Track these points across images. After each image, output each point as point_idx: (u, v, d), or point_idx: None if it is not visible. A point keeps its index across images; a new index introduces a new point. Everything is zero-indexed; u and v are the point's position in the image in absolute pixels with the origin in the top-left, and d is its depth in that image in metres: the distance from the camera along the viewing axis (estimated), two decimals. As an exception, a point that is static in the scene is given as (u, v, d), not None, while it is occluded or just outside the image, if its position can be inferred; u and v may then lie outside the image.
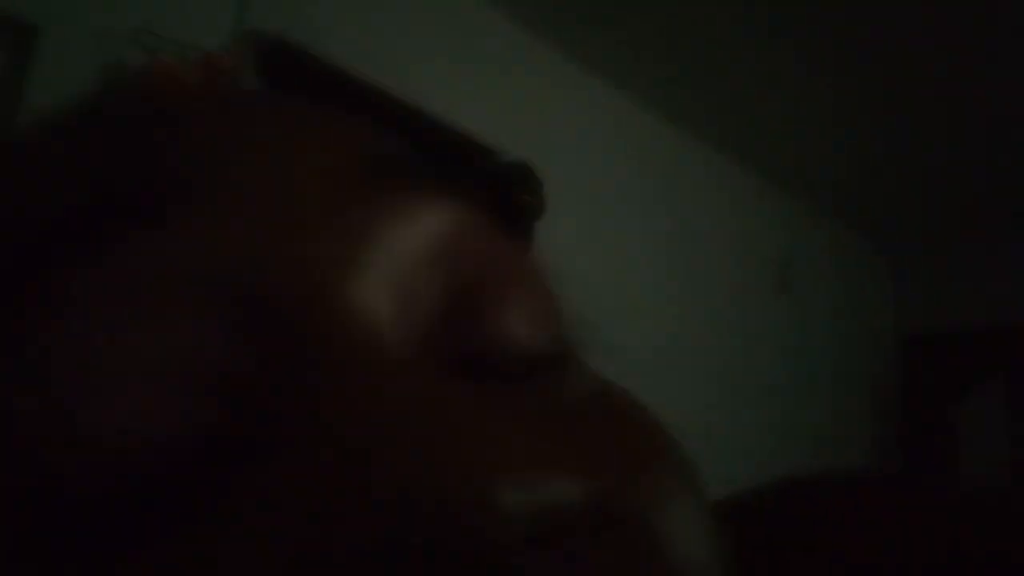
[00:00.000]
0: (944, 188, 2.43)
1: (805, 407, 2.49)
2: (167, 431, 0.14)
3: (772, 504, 0.30)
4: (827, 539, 0.27)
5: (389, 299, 0.16)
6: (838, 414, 2.58)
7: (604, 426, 0.18)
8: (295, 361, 0.15)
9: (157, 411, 0.14)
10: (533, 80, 2.07)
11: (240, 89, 0.21)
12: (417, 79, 1.78)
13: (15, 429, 0.14)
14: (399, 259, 0.17)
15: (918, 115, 2.12)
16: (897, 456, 2.68)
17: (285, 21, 1.62)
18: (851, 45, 1.92)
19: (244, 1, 1.60)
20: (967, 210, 2.53)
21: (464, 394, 0.15)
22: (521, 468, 0.14)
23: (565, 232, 1.88)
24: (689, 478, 0.18)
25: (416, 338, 0.17)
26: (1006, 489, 0.31)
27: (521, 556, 0.13)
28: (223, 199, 0.16)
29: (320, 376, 0.15)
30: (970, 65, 1.93)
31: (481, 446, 0.14)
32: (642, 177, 2.25)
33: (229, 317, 0.15)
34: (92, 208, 0.16)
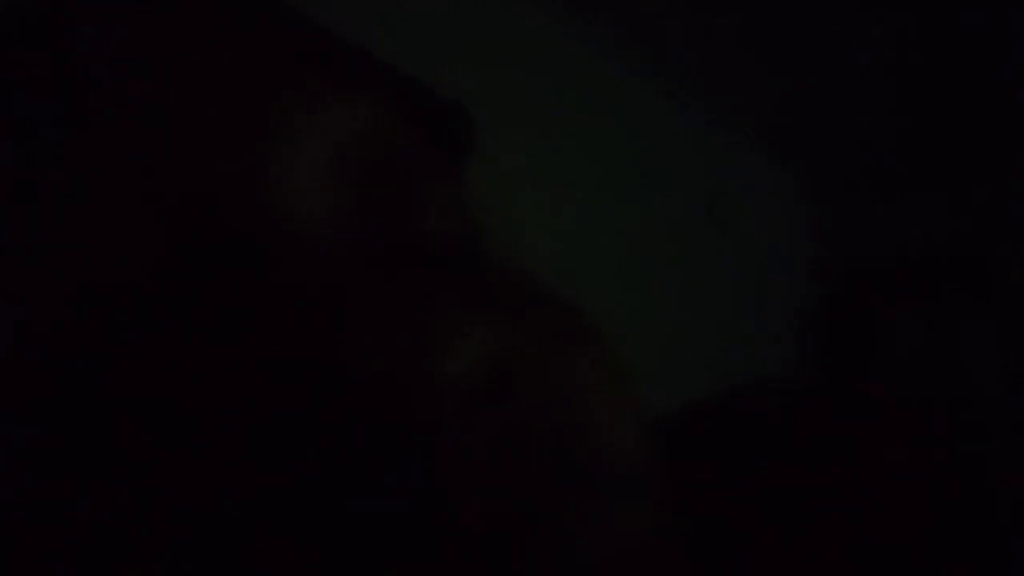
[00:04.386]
0: (867, 122, 2.48)
1: (731, 341, 2.55)
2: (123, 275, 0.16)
3: (704, 425, 0.31)
4: (761, 452, 0.29)
5: (315, 191, 0.17)
6: (762, 345, 2.65)
7: (522, 302, 0.18)
8: (229, 250, 0.16)
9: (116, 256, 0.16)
10: (461, 10, 2.03)
11: None
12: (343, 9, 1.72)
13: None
14: (323, 152, 0.17)
15: (838, 47, 2.15)
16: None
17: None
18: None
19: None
20: (890, 142, 2.59)
21: (393, 277, 0.16)
22: (449, 335, 0.15)
23: (498, 167, 1.87)
24: (609, 355, 0.19)
25: (339, 227, 0.17)
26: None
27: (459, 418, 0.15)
28: (150, 97, 0.17)
29: (252, 264, 0.16)
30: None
31: (415, 320, 0.15)
32: (573, 110, 2.24)
33: (166, 212, 0.16)
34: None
